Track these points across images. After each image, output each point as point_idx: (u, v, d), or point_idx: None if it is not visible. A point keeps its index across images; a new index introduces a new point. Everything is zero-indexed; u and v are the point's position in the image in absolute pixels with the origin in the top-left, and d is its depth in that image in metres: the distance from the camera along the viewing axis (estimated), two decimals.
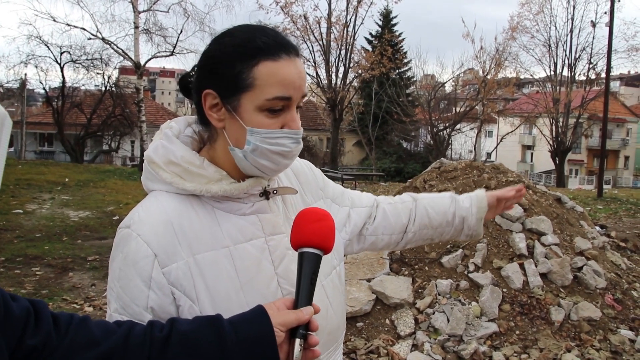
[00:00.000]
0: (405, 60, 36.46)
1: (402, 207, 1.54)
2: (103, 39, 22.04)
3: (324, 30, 26.82)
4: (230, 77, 1.07)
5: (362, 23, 28.40)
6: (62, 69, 25.99)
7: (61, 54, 25.33)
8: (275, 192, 1.21)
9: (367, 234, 1.48)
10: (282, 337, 0.96)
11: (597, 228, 6.93)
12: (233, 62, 1.07)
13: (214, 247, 1.11)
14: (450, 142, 31.39)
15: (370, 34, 37.04)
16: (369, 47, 33.41)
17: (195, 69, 1.16)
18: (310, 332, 1.00)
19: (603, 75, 22.41)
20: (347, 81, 28.19)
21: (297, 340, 0.98)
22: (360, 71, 28.88)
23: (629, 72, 53.45)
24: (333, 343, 1.30)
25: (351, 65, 28.18)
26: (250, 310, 0.99)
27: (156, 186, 1.15)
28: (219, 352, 0.93)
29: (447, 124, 30.52)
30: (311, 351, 1.01)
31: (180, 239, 1.08)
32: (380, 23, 37.87)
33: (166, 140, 1.16)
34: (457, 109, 31.16)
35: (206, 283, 1.08)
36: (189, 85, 1.17)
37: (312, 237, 1.04)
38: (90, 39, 22.37)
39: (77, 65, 26.29)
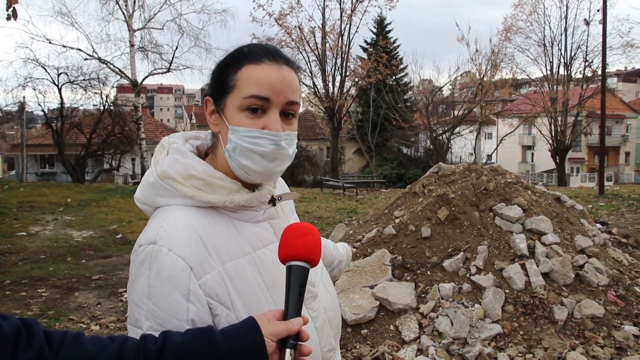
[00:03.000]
0: (402, 66, 36.56)
1: None
2: (99, 58, 22.21)
3: (318, 40, 26.96)
4: (220, 81, 1.18)
5: (356, 31, 28.65)
6: (60, 90, 26.06)
7: (58, 75, 25.44)
8: (279, 198, 1.29)
9: None
10: (272, 347, 0.99)
11: (598, 225, 6.95)
12: (225, 70, 1.18)
13: (238, 255, 1.16)
14: (450, 145, 31.42)
15: (365, 41, 37.16)
16: (364, 55, 33.47)
17: None
18: (300, 342, 1.03)
19: (600, 72, 22.48)
20: (344, 90, 28.27)
21: (288, 351, 1.01)
22: (356, 79, 28.99)
23: (625, 68, 53.52)
24: (339, 333, 1.40)
25: (347, 73, 28.29)
26: (241, 322, 1.03)
27: (170, 201, 1.16)
28: None
29: (446, 128, 30.57)
30: None
31: (210, 250, 1.11)
32: (374, 30, 38.02)
33: (180, 155, 1.19)
34: (456, 113, 31.19)
35: (237, 290, 1.13)
36: None
37: (299, 251, 1.09)
38: (86, 59, 22.58)
39: (74, 85, 26.41)
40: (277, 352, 1.01)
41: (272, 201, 1.27)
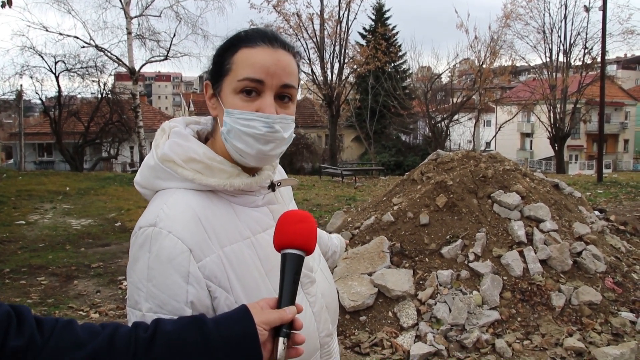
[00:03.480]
0: (400, 53, 36.43)
1: None
2: (96, 46, 22.07)
3: (317, 27, 26.85)
4: (217, 64, 1.19)
5: (355, 18, 28.50)
6: (57, 78, 25.93)
7: (55, 63, 25.29)
8: (279, 184, 1.30)
9: None
10: (265, 336, 0.98)
11: (596, 212, 6.96)
12: (223, 54, 1.18)
13: (237, 239, 1.16)
14: (448, 133, 31.39)
15: (364, 28, 37.02)
16: (363, 42, 33.35)
17: None
18: (294, 331, 1.02)
19: (599, 59, 22.43)
20: (343, 77, 28.19)
21: (281, 339, 1.00)
22: (355, 66, 28.89)
23: (625, 55, 53.41)
24: (336, 319, 1.41)
25: (346, 60, 28.20)
26: (234, 310, 1.02)
27: (171, 184, 1.17)
28: (203, 351, 0.94)
29: (444, 115, 30.51)
30: (294, 349, 1.03)
31: (210, 233, 1.12)
32: (373, 17, 37.85)
33: (181, 138, 1.20)
34: (454, 100, 31.13)
35: (237, 273, 1.13)
36: None
37: (294, 239, 1.08)
38: (83, 47, 22.44)
39: (72, 74, 26.25)
40: (269, 340, 1.00)
41: (272, 186, 1.28)
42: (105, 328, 0.96)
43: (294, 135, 1.25)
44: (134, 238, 1.12)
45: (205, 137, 1.29)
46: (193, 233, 1.09)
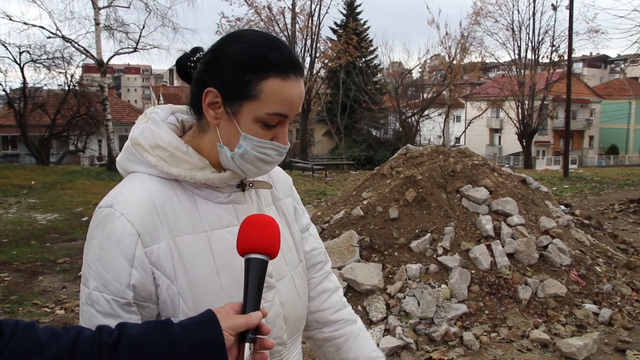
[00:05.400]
0: (372, 48, 36.56)
1: (345, 310, 1.51)
2: (63, 37, 21.61)
3: (288, 20, 26.76)
4: (238, 83, 1.11)
5: (326, 12, 28.47)
6: (22, 69, 25.28)
7: (20, 53, 24.65)
8: (251, 185, 1.27)
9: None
10: (231, 341, 0.98)
11: (562, 207, 7.10)
12: (244, 70, 1.11)
13: (192, 231, 1.16)
14: (418, 128, 31.66)
15: (335, 23, 37.03)
16: (334, 37, 33.37)
17: (199, 57, 1.19)
18: (260, 336, 1.02)
19: (566, 57, 22.87)
20: (314, 71, 28.19)
21: (247, 344, 0.99)
22: (326, 61, 28.92)
23: (590, 53, 54.65)
24: (297, 330, 1.37)
25: (317, 55, 28.20)
26: (199, 315, 1.01)
27: (138, 168, 1.18)
28: (169, 356, 0.93)
29: (415, 111, 30.76)
30: (260, 354, 1.03)
31: (162, 221, 1.13)
32: (344, 12, 37.86)
33: (153, 124, 1.20)
34: (425, 95, 31.41)
35: (184, 265, 1.13)
36: (188, 70, 1.20)
37: (259, 244, 1.07)
38: (49, 37, 21.94)
39: (37, 65, 25.61)
40: (235, 346, 1.00)
41: (242, 186, 1.25)
42: (68, 331, 0.94)
43: None
44: (93, 217, 1.14)
45: (190, 127, 1.28)
46: (145, 218, 1.10)
